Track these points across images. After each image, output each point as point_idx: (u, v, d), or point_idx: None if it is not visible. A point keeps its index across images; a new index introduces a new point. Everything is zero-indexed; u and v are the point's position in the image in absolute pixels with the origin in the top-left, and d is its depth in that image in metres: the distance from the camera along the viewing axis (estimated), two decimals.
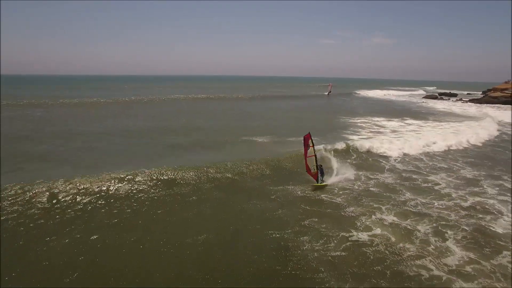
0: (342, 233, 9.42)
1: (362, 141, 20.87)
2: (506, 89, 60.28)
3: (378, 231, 9.65)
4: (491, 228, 10.09)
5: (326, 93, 72.30)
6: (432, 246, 8.89)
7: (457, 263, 8.13)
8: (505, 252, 8.66)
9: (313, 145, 13.57)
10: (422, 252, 8.58)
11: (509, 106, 51.35)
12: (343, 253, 8.38)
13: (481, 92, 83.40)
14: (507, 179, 14.88)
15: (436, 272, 7.71)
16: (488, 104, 58.78)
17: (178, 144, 19.89)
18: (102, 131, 23.31)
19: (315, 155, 13.52)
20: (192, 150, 18.61)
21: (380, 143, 20.36)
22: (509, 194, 12.93)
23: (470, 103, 62.38)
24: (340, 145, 19.66)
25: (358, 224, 10.06)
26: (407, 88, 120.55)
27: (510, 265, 8.01)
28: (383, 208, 11.30)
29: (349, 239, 9.13)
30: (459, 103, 63.89)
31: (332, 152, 17.14)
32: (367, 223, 10.12)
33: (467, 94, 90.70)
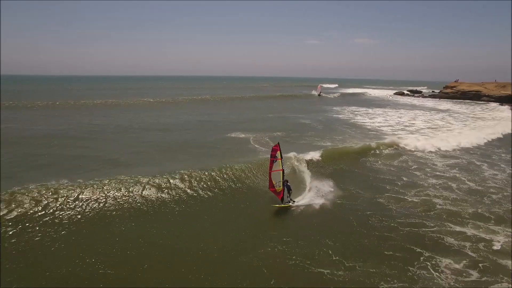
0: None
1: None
2: (454, 86, 76.39)
3: None
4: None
5: (317, 94, 75.22)
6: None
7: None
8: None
9: (281, 158, 12.10)
10: None
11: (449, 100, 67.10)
12: None
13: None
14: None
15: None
16: (441, 99, 74.60)
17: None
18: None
19: (283, 170, 12.07)
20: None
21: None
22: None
23: (429, 98, 78.07)
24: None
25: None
26: (391, 87, 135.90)
27: None
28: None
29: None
30: (420, 98, 79.61)
31: (305, 162, 16.15)
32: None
33: (432, 91, 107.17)
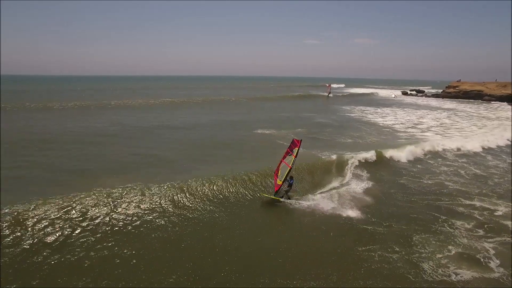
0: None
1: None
2: (456, 86, 78.86)
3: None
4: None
5: (326, 94, 73.70)
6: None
7: None
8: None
9: (295, 155, 12.38)
10: None
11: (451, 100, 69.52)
12: None
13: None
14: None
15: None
16: (444, 98, 77.05)
17: None
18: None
19: (291, 168, 12.35)
20: None
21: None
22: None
23: (432, 98, 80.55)
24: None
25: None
26: (393, 87, 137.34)
27: None
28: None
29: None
30: (423, 97, 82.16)
31: (351, 165, 16.73)
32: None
33: (436, 91, 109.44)
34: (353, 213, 11.86)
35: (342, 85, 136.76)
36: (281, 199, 12.63)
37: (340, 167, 16.72)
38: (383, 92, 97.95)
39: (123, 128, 26.85)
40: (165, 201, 11.70)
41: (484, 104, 63.77)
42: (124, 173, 14.64)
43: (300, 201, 12.77)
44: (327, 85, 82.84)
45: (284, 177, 12.39)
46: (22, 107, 37.31)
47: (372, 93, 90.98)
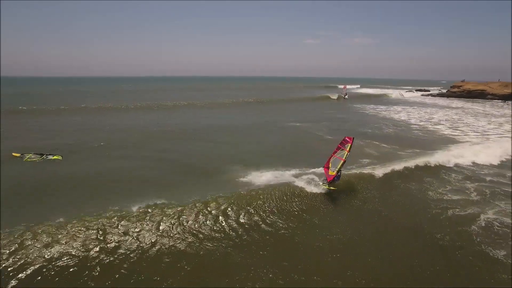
0: None
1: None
2: (461, 85, 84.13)
3: None
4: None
5: (342, 95, 73.71)
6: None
7: None
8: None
9: (349, 151, 13.94)
10: None
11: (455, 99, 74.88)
12: None
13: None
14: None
15: None
16: (449, 97, 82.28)
17: None
18: None
19: (345, 161, 13.86)
20: None
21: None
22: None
23: (437, 97, 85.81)
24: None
25: None
26: (399, 87, 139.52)
27: None
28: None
29: None
30: (430, 96, 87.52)
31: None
32: None
33: (447, 90, 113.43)
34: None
35: (358, 85, 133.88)
36: (334, 188, 13.92)
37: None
38: (391, 92, 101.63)
39: (187, 128, 30.63)
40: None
41: (489, 103, 68.53)
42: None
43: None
44: (343, 86, 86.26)
45: (338, 168, 14.01)
46: (65, 109, 40.33)
47: (380, 94, 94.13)
